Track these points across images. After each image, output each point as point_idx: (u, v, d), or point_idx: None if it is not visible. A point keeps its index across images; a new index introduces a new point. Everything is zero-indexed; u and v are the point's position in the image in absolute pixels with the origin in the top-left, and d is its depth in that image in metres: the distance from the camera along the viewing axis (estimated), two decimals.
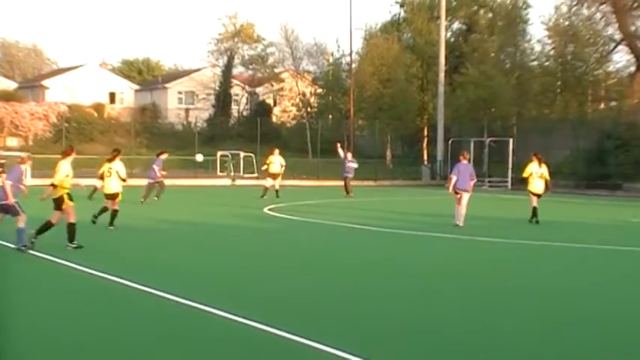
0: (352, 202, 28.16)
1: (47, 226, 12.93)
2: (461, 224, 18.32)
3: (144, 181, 25.48)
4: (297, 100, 57.98)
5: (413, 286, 10.29)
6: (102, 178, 16.91)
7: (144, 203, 23.29)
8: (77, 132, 48.83)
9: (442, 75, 47.78)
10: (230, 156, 44.29)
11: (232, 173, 42.17)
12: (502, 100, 45.38)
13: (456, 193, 18.68)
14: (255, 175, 43.73)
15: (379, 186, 41.39)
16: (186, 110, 59.56)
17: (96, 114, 53.70)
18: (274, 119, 60.89)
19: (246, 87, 61.43)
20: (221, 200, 25.02)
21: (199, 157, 23.85)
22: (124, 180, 16.64)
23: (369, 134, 54.59)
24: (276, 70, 60.28)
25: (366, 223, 18.89)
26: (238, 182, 40.57)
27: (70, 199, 12.95)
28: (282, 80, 59.39)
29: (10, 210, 12.74)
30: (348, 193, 30.74)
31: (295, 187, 32.57)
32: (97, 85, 59.14)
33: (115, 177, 16.45)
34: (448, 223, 19.11)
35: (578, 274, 11.95)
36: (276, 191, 28.22)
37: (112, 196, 16.50)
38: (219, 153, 44.63)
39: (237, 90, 60.81)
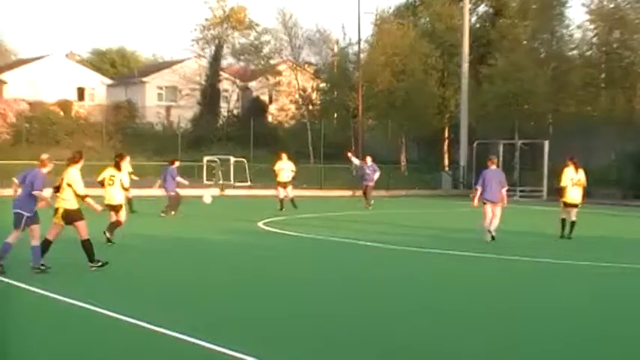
0: (360, 215, 28.27)
1: (87, 246, 13.18)
2: (492, 230, 18.51)
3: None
4: (297, 96, 58.16)
5: (411, 306, 10.41)
6: (102, 185, 17.22)
7: (180, 214, 24.28)
8: (40, 134, 48.98)
9: (466, 66, 47.93)
10: (218, 161, 44.46)
11: (221, 182, 42.32)
12: (536, 95, 45.49)
13: (484, 203, 18.74)
14: (248, 184, 43.85)
15: (392, 196, 41.45)
16: (167, 108, 59.77)
17: (62, 113, 53.87)
18: (270, 119, 61.01)
19: (238, 81, 61.64)
20: (209, 212, 25.17)
21: (207, 199, 24.52)
22: (126, 189, 17.13)
23: (381, 136, 54.63)
24: (272, 62, 60.46)
25: (375, 239, 19.01)
26: (228, 192, 40.71)
27: (67, 219, 13.03)
28: (279, 73, 59.60)
29: (15, 220, 12.75)
30: (367, 203, 30.99)
31: (295, 198, 32.67)
32: (63, 79, 59.36)
33: (118, 186, 16.86)
34: (471, 239, 19.22)
35: (609, 297, 12.18)
36: (292, 200, 28.51)
37: (115, 207, 16.88)
38: (205, 158, 44.83)
39: (226, 85, 61.02)
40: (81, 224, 13.12)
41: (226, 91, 61.17)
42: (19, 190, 12.97)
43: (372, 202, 31.31)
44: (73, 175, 13.14)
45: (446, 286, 12.64)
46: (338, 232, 20.88)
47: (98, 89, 62.45)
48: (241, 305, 10.54)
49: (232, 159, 45.28)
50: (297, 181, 38.62)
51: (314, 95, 58.37)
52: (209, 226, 22.10)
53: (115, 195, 16.97)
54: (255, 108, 59.09)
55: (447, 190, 46.82)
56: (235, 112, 61.15)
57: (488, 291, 12.31)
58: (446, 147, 52.90)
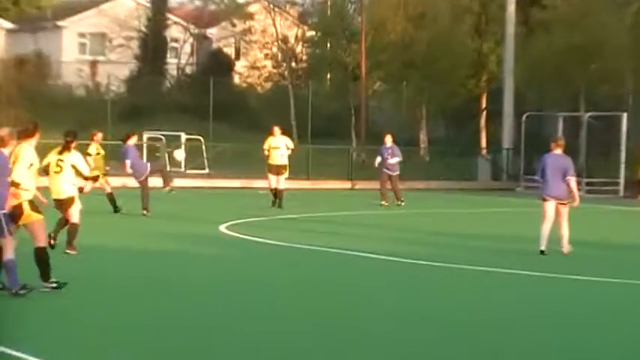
0: (362, 216, 28.37)
1: (44, 256, 13.16)
2: (565, 250, 18.49)
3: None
4: (275, 49, 58.02)
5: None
6: (46, 174, 17.26)
7: (148, 214, 24.88)
8: None
9: (512, 9, 47.84)
10: (164, 140, 44.35)
11: (168, 168, 42.23)
12: (610, 49, 45.50)
13: (544, 200, 18.68)
14: (206, 171, 43.72)
15: (408, 189, 41.30)
16: (93, 64, 59.55)
17: None
18: (237, 80, 60.86)
19: (192, 27, 61.44)
20: (156, 211, 25.19)
21: (179, 154, 24.91)
22: (86, 178, 17.10)
23: (392, 106, 54.52)
24: (240, 0, 60.39)
25: (379, 249, 18.99)
26: (178, 183, 40.61)
27: (36, 209, 13.11)
28: (250, 17, 59.49)
29: None
30: (398, 198, 31.38)
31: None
32: None
33: (69, 174, 16.80)
34: (515, 250, 19.25)
35: None
36: (280, 193, 28.78)
37: (64, 203, 16.88)
38: (146, 135, 44.76)
39: (176, 32, 60.82)
40: (39, 225, 13.13)
41: (176, 40, 60.96)
42: None
43: (397, 197, 31.38)
44: (22, 153, 13.10)
45: (466, 316, 12.69)
46: (330, 239, 20.87)
47: None
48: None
49: (184, 136, 45.15)
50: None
51: (299, 48, 58.24)
52: (155, 230, 22.10)
53: (62, 186, 16.89)
54: (217, 65, 58.88)
55: (485, 181, 46.79)
56: (188, 70, 60.97)
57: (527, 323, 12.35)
58: (483, 122, 52.83)
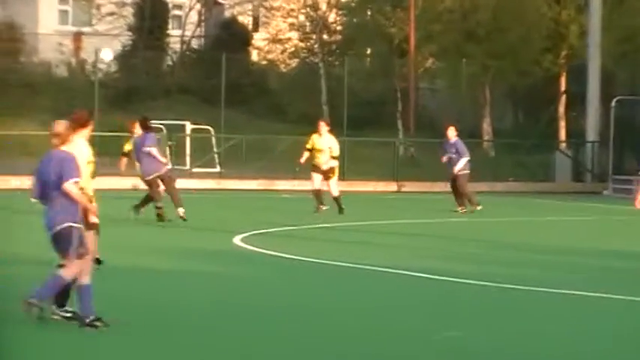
0: (409, 226, 28.42)
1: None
2: None
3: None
4: (302, 18, 58.02)
5: None
6: None
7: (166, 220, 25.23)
8: None
9: None
10: (165, 131, 44.40)
11: (170, 165, 42.28)
12: None
13: None
14: (217, 169, 43.70)
15: None
16: (77, 37, 59.65)
17: None
18: (255, 57, 60.85)
19: None
20: (149, 218, 25.28)
21: (107, 54, 25.41)
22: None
23: (448, 88, 54.42)
24: None
25: (426, 268, 18.95)
26: (182, 183, 40.67)
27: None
28: None
29: (62, 241, 12.48)
30: (471, 202, 31.55)
31: (301, 195, 32.67)
32: None
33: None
34: (614, 268, 19.15)
35: None
36: (336, 200, 29.29)
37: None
38: None
39: None
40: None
41: (179, 7, 61.03)
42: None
43: (468, 204, 31.31)
44: (80, 149, 13.22)
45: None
46: (372, 254, 20.89)
47: None
48: None
49: (189, 126, 45.20)
50: (302, 166, 38.87)
51: (332, 16, 58.25)
52: (155, 243, 22.20)
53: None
54: (230, 38, 58.87)
55: (564, 183, 46.60)
56: (195, 44, 61.01)
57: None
58: (562, 108, 52.63)
